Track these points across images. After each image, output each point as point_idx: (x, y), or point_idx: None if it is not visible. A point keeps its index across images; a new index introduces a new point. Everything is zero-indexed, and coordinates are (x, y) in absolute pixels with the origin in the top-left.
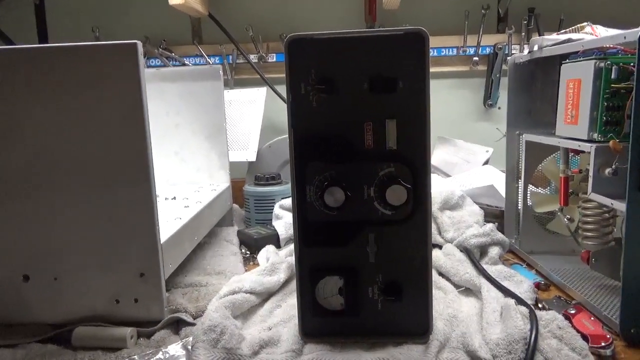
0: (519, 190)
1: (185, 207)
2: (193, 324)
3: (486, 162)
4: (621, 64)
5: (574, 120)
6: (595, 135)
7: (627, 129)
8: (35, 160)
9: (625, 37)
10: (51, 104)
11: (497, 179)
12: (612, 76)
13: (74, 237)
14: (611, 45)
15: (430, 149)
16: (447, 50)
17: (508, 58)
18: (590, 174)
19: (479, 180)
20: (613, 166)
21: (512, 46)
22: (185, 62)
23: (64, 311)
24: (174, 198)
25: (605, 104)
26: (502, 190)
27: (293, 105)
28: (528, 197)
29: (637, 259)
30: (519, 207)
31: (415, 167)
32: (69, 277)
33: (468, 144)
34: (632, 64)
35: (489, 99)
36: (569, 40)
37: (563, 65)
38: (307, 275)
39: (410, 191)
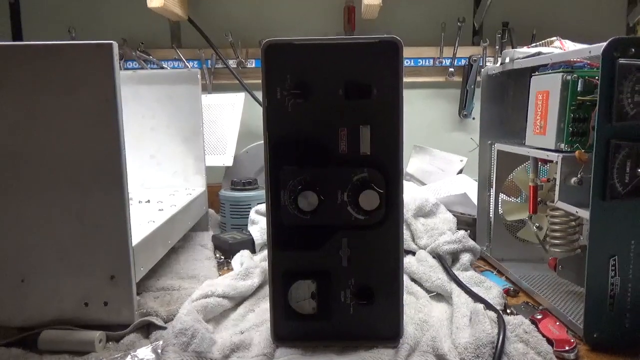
0: (491, 198)
1: (160, 210)
2: (164, 328)
3: (460, 171)
4: (587, 77)
5: (542, 130)
6: (562, 146)
7: (592, 139)
8: (3, 159)
9: (590, 52)
10: (21, 103)
11: (471, 188)
12: (578, 88)
13: (42, 238)
14: (578, 59)
15: (402, 155)
16: (423, 60)
17: (481, 69)
18: (557, 182)
19: (453, 188)
20: (578, 175)
21: (487, 58)
22: (164, 65)
23: (30, 314)
24: (148, 201)
25: (572, 115)
26: (475, 199)
27: (269, 109)
28: (499, 206)
29: (600, 266)
30: (491, 216)
31: (388, 173)
32: (37, 279)
33: (443, 153)
34: (596, 77)
35: (464, 109)
36: (539, 54)
37: (533, 77)
38: (279, 279)
39: (383, 196)
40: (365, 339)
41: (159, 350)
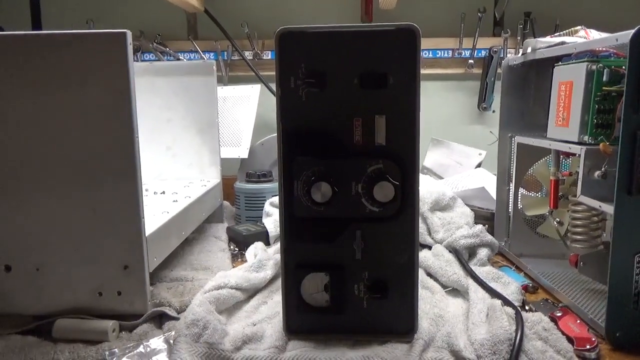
0: (510, 192)
1: (174, 201)
2: (177, 319)
3: (479, 165)
4: (613, 66)
5: (565, 122)
6: (586, 138)
7: (617, 132)
8: (18, 150)
9: (617, 40)
10: (35, 93)
11: (489, 182)
12: (604, 79)
13: (57, 228)
14: (603, 48)
15: (419, 146)
16: (442, 52)
17: (502, 61)
18: (580, 176)
19: (471, 182)
20: (602, 169)
21: (508, 50)
22: (180, 57)
23: (45, 302)
24: (163, 192)
25: (597, 106)
26: (494, 193)
27: (282, 99)
28: (519, 200)
29: (624, 263)
30: (510, 210)
31: (403, 164)
32: (52, 268)
33: (461, 146)
34: (623, 66)
35: (483, 102)
36: (562, 43)
37: (555, 67)
38: (292, 271)
39: (398, 188)
40: (378, 333)
41: (171, 341)
